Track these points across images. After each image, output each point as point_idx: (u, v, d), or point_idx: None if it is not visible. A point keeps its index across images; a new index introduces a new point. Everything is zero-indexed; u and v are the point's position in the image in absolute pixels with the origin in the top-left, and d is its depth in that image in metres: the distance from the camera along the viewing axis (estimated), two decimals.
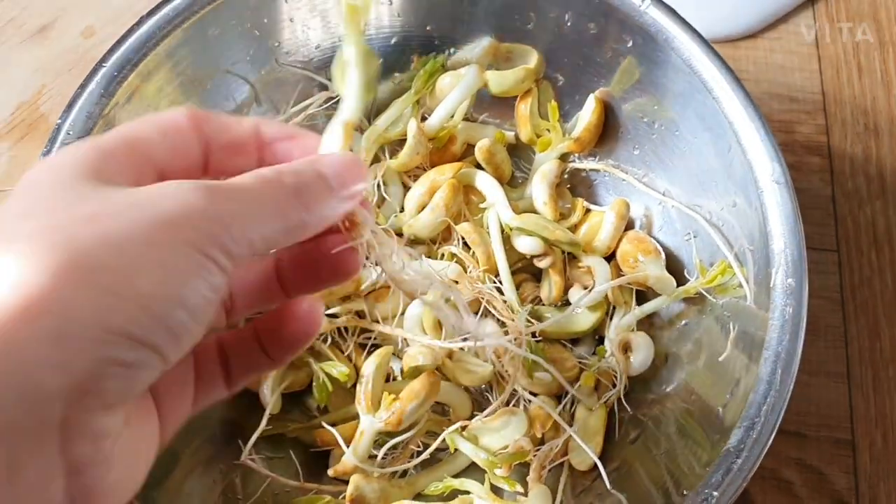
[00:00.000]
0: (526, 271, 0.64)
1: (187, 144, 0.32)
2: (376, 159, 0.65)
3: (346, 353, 0.60)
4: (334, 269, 0.35)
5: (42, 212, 0.26)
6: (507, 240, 0.61)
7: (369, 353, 0.58)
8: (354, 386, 0.58)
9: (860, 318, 0.66)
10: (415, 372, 0.56)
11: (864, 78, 0.76)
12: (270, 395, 0.58)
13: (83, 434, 0.25)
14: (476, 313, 0.58)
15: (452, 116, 0.64)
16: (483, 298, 0.57)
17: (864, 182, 0.71)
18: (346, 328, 0.60)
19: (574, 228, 0.63)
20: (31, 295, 0.24)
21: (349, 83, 0.36)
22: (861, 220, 0.69)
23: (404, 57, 0.66)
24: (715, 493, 0.45)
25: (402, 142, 0.64)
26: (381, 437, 0.56)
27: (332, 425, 0.58)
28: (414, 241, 0.63)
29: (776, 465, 0.61)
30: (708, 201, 0.57)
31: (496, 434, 0.56)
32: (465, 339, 0.54)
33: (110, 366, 0.25)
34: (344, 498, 0.54)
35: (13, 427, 0.23)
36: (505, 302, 0.58)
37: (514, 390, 0.57)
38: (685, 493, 0.48)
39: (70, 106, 0.54)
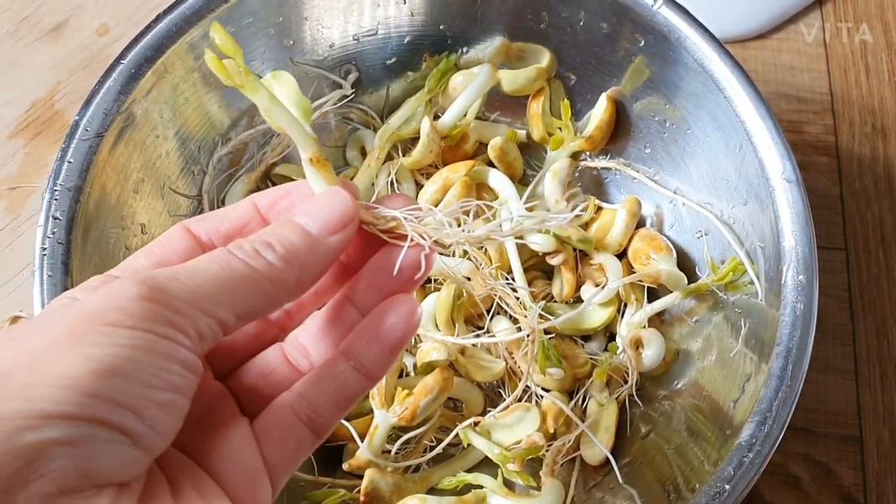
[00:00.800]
0: (537, 269, 0.65)
1: (177, 252, 0.33)
2: (389, 157, 0.65)
3: None
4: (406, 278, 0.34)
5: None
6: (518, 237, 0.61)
7: None
8: None
9: (868, 316, 0.66)
10: (428, 367, 0.56)
11: (872, 78, 0.76)
12: None
13: None
14: (489, 310, 0.59)
15: (465, 115, 0.64)
16: (496, 295, 0.58)
17: (872, 182, 0.72)
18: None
19: (585, 226, 0.63)
20: None
21: (284, 124, 0.34)
22: (869, 220, 0.70)
23: (417, 56, 0.66)
24: (727, 487, 0.46)
25: (414, 140, 0.65)
26: (394, 432, 0.56)
27: (346, 420, 0.58)
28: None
29: (784, 460, 0.62)
30: (719, 199, 0.58)
31: (509, 429, 0.56)
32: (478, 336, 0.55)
33: (46, 447, 0.24)
34: (358, 492, 0.55)
35: None
36: (518, 299, 0.59)
37: (527, 386, 0.58)
38: (696, 487, 0.48)
39: (87, 103, 0.54)
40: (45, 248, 0.50)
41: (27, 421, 0.24)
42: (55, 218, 0.51)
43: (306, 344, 0.36)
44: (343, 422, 0.58)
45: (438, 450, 0.56)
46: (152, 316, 0.27)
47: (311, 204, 0.33)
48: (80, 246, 0.51)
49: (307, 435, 0.34)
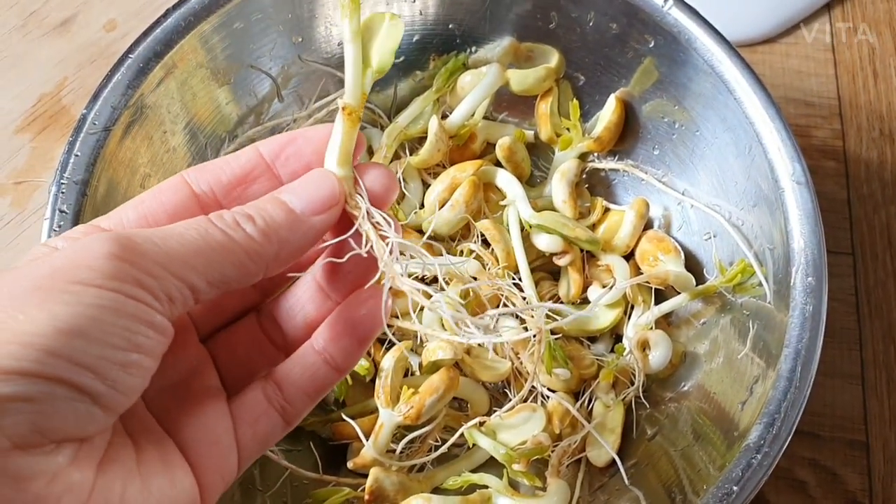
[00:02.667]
0: (544, 270, 0.64)
1: (188, 206, 0.33)
2: (396, 156, 0.65)
3: None
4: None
5: None
6: (526, 237, 0.61)
7: (388, 348, 0.58)
8: (373, 380, 0.58)
9: (875, 320, 0.66)
10: (434, 367, 0.56)
11: (880, 83, 0.76)
12: None
13: None
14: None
15: (473, 114, 0.64)
16: (502, 295, 0.58)
17: (879, 187, 0.71)
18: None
19: (593, 227, 0.63)
20: None
21: (348, 62, 0.34)
22: (876, 224, 0.70)
23: (426, 55, 0.66)
24: (735, 488, 0.45)
25: (422, 139, 0.64)
26: (399, 431, 0.56)
27: (352, 419, 0.58)
28: (433, 238, 0.63)
29: (790, 465, 0.61)
30: (727, 201, 0.57)
31: (514, 430, 0.56)
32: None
33: (2, 402, 0.24)
34: (362, 491, 0.55)
35: None
36: (524, 299, 0.58)
37: (533, 387, 0.58)
38: (700, 491, 0.48)
39: (95, 96, 0.54)
40: None
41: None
42: (62, 211, 0.51)
43: (278, 317, 0.36)
44: (348, 420, 0.57)
45: (443, 450, 0.56)
46: (122, 275, 0.27)
47: (298, 183, 0.33)
48: None
49: (279, 422, 0.35)
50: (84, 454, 0.27)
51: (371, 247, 0.33)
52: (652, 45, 0.58)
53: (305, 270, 0.36)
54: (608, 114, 0.62)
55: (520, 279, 0.60)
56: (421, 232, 0.63)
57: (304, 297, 0.36)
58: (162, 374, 0.30)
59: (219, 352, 0.35)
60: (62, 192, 0.51)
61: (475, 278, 0.59)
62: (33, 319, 0.25)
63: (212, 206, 0.34)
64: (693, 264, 0.61)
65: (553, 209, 0.63)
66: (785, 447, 0.46)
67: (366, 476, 0.55)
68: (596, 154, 0.65)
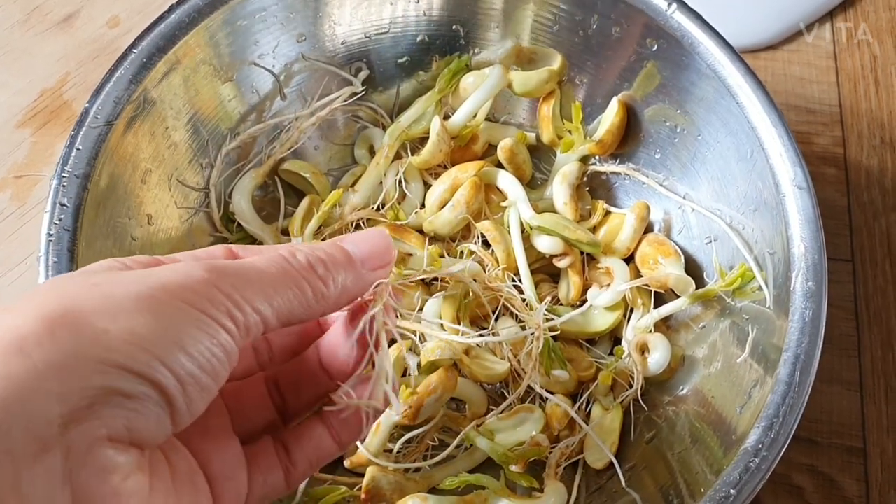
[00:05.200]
0: (544, 272, 0.65)
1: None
2: (398, 156, 0.65)
3: None
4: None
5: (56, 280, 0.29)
6: (526, 239, 0.61)
7: None
8: None
9: (874, 327, 0.66)
10: (432, 367, 0.56)
11: (882, 92, 0.76)
12: None
13: (86, 463, 0.26)
14: (495, 311, 0.59)
15: (475, 116, 0.64)
16: (502, 297, 0.58)
17: (880, 194, 0.71)
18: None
19: (594, 230, 0.63)
20: (23, 334, 0.25)
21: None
22: (876, 232, 0.70)
23: (429, 55, 0.66)
24: (733, 492, 0.45)
25: (424, 139, 0.64)
26: (396, 431, 0.56)
27: None
28: (434, 238, 0.63)
29: (788, 471, 0.61)
30: (728, 205, 0.57)
31: (512, 431, 0.56)
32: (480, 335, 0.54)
33: (108, 395, 0.26)
34: (359, 490, 0.54)
35: (16, 451, 0.24)
36: (524, 301, 0.58)
37: (531, 388, 0.57)
38: (699, 493, 0.48)
39: (98, 91, 0.54)
40: (51, 235, 0.50)
41: (100, 366, 0.26)
42: (62, 204, 0.51)
43: (282, 387, 0.38)
44: None
45: (443, 455, 0.56)
46: (217, 303, 0.29)
47: (359, 237, 0.36)
48: (86, 233, 0.51)
49: (282, 481, 0.36)
50: (143, 462, 0.28)
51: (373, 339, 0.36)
52: (655, 48, 0.58)
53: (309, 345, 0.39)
54: (610, 117, 0.62)
55: (520, 280, 0.60)
56: (421, 232, 0.63)
57: (307, 373, 0.38)
58: None
59: (228, 399, 0.37)
60: (63, 186, 0.51)
61: (475, 279, 0.59)
62: (147, 324, 0.27)
63: None
64: (693, 268, 0.61)
65: (554, 211, 0.63)
66: (782, 452, 0.46)
67: (362, 475, 0.55)
68: (597, 157, 0.65)
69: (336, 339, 0.37)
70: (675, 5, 0.56)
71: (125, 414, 0.26)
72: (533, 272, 0.62)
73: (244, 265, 0.31)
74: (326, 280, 0.32)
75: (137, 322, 0.27)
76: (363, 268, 0.34)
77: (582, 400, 0.59)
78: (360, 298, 0.36)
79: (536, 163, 0.68)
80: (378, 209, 0.63)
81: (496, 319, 0.59)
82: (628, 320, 0.61)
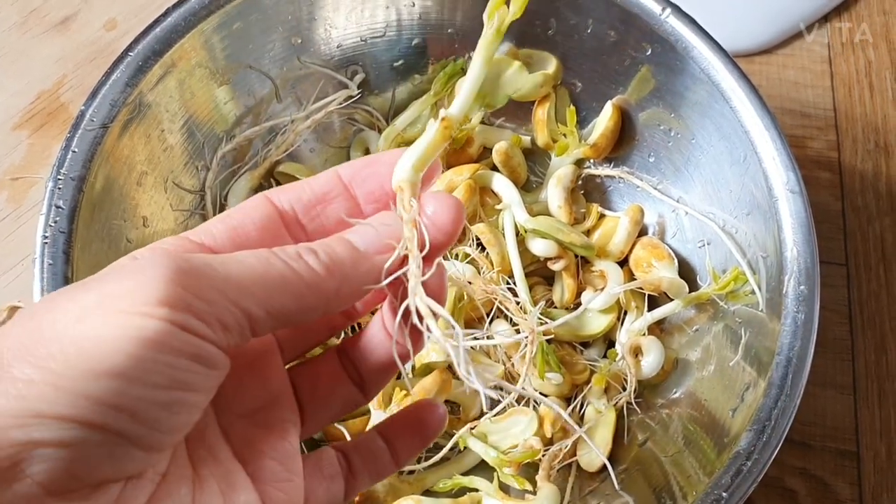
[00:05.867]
0: (538, 275, 0.65)
1: (279, 232, 0.33)
2: None
3: None
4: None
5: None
6: (521, 242, 0.61)
7: None
8: None
9: (867, 331, 0.66)
10: (426, 369, 0.56)
11: (876, 96, 0.76)
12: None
13: None
14: (489, 314, 0.59)
15: (470, 119, 0.65)
16: (496, 299, 0.58)
17: (874, 198, 0.72)
18: (358, 324, 0.61)
19: (588, 233, 0.63)
20: None
21: (469, 77, 0.33)
22: (870, 236, 0.70)
23: (424, 59, 0.66)
24: (724, 495, 0.46)
25: None
26: None
27: (343, 421, 0.58)
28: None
29: (781, 473, 0.61)
30: (722, 209, 0.58)
31: (506, 433, 0.56)
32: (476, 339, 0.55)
33: (34, 447, 0.24)
34: None
35: None
36: (518, 303, 0.59)
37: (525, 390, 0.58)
38: (692, 495, 0.48)
39: (94, 93, 0.54)
40: (46, 237, 0.50)
41: (17, 419, 0.23)
42: (58, 207, 0.51)
43: (354, 357, 0.35)
44: (337, 424, 0.57)
45: (437, 458, 0.56)
46: (173, 301, 0.25)
47: (364, 223, 0.32)
48: (81, 235, 0.51)
49: (341, 493, 0.35)
50: (130, 492, 0.26)
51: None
52: (649, 52, 0.59)
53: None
54: (605, 121, 0.63)
55: (514, 283, 0.60)
56: None
57: (375, 340, 0.35)
58: (241, 399, 0.30)
59: (301, 382, 0.35)
60: (59, 188, 0.51)
61: (470, 282, 0.59)
62: (68, 359, 0.24)
63: (293, 224, 0.34)
64: (686, 271, 0.61)
65: (548, 214, 0.63)
66: (775, 455, 0.46)
67: None
68: (592, 160, 0.65)
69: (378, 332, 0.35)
70: (669, 10, 0.56)
71: (61, 464, 0.24)
72: (527, 275, 0.62)
73: (220, 257, 0.28)
74: (318, 269, 0.29)
75: (54, 359, 0.24)
76: (370, 253, 0.30)
77: (576, 402, 0.59)
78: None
79: (531, 166, 0.68)
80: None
81: (490, 322, 0.59)
82: (622, 323, 0.61)
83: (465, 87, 0.34)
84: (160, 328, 0.25)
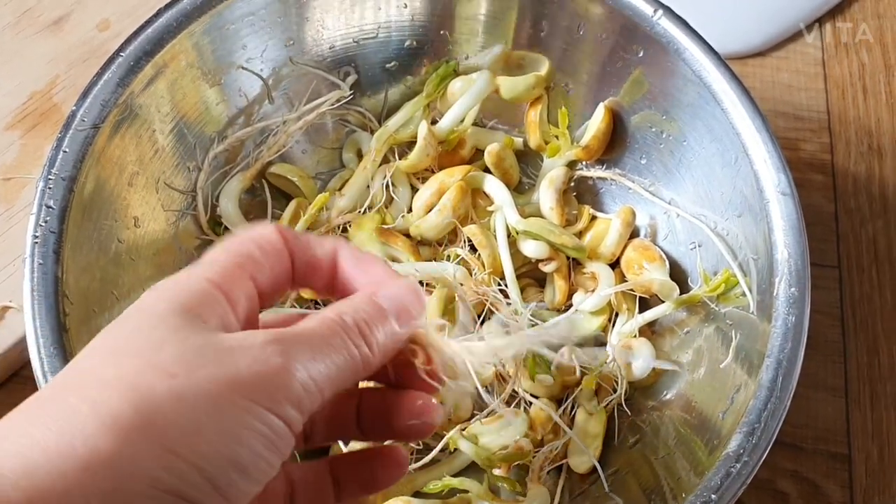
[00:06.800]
0: (530, 276, 0.65)
1: (282, 261, 0.34)
2: (385, 160, 0.65)
3: None
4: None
5: (131, 353, 0.28)
6: (512, 243, 0.61)
7: None
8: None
9: (859, 334, 0.66)
10: None
11: (870, 99, 0.77)
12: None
13: None
14: (481, 315, 0.59)
15: (463, 121, 0.64)
16: (487, 301, 0.58)
17: (867, 201, 0.72)
18: None
19: (579, 235, 0.63)
20: (97, 450, 0.25)
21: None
22: (863, 238, 0.70)
23: (417, 60, 0.66)
24: (714, 497, 0.45)
25: (411, 144, 0.65)
26: None
27: None
28: (420, 242, 0.63)
29: (772, 476, 0.61)
30: (713, 211, 0.58)
31: (496, 434, 0.56)
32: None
33: None
34: None
35: None
36: (509, 305, 0.59)
37: (516, 392, 0.58)
38: (682, 497, 0.48)
39: (85, 94, 0.54)
40: (36, 237, 0.50)
41: (154, 491, 0.25)
42: (48, 207, 0.51)
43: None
44: None
45: (428, 459, 0.56)
46: (288, 395, 0.28)
47: (394, 293, 0.34)
48: (72, 236, 0.51)
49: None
50: None
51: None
52: (641, 54, 0.59)
53: None
54: (597, 122, 0.63)
55: (506, 285, 0.60)
56: (408, 236, 0.63)
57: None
58: None
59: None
60: (49, 188, 0.51)
61: (461, 283, 0.59)
62: (209, 442, 0.26)
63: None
64: (678, 273, 0.61)
65: (540, 216, 0.63)
66: (764, 456, 0.46)
67: None
68: (584, 162, 0.65)
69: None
70: (660, 12, 0.56)
71: None
72: (519, 277, 0.62)
73: (310, 337, 0.30)
74: (371, 343, 0.31)
75: (201, 436, 0.26)
76: (397, 323, 0.33)
77: (566, 404, 0.59)
78: None
79: (523, 168, 0.68)
80: (365, 213, 0.63)
81: (482, 323, 0.59)
82: (613, 325, 0.61)
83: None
84: (282, 429, 0.28)
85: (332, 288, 0.36)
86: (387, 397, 0.36)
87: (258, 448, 0.27)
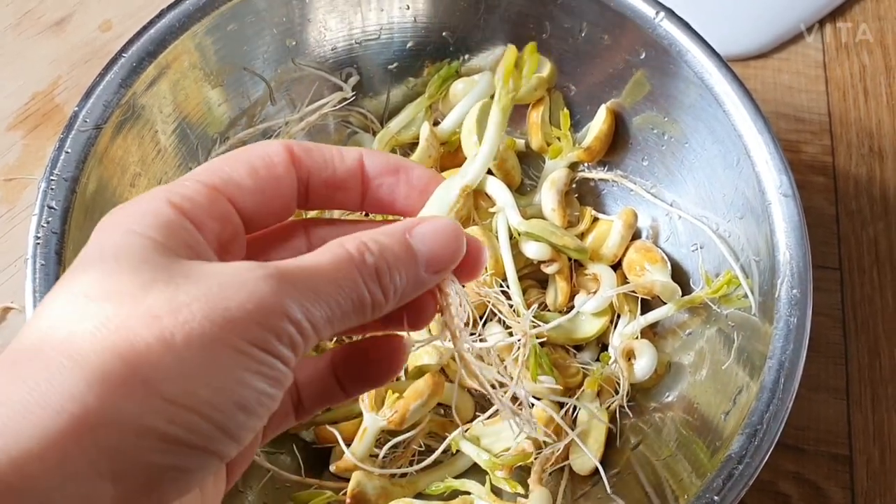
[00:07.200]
0: (532, 278, 0.65)
1: (280, 184, 0.31)
2: None
3: None
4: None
5: (108, 296, 0.26)
6: (514, 245, 0.61)
7: None
8: None
9: (860, 336, 0.66)
10: (419, 372, 0.56)
11: (871, 101, 0.77)
12: None
13: None
14: (482, 317, 0.59)
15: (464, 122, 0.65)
16: (489, 302, 0.58)
17: (868, 203, 0.72)
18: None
19: (581, 236, 0.63)
20: (87, 407, 0.23)
21: (485, 144, 0.35)
22: (864, 240, 0.70)
23: (419, 61, 0.67)
24: (716, 498, 0.45)
25: (413, 145, 0.65)
26: (383, 436, 0.56)
27: (335, 422, 0.58)
28: None
29: (774, 478, 0.61)
30: (715, 213, 0.58)
31: (498, 436, 0.56)
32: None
33: (167, 472, 0.24)
34: (344, 494, 0.54)
35: None
36: (511, 306, 0.59)
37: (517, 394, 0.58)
38: (684, 499, 0.48)
39: (88, 94, 0.54)
40: (38, 237, 0.50)
41: (160, 444, 0.24)
42: (50, 207, 0.51)
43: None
44: (330, 427, 0.57)
45: (430, 461, 0.56)
46: (282, 333, 0.26)
47: (432, 236, 0.31)
48: (74, 236, 0.51)
49: (291, 423, 0.35)
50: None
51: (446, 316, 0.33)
52: (643, 56, 0.59)
53: None
54: (598, 124, 0.63)
55: (508, 286, 0.60)
56: None
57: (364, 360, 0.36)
58: None
59: (300, 375, 0.35)
60: (52, 189, 0.51)
61: (463, 285, 0.59)
62: (210, 387, 0.25)
63: (301, 194, 0.33)
64: (680, 275, 0.61)
65: (542, 217, 0.63)
66: (766, 458, 0.46)
67: (348, 480, 0.55)
68: (586, 164, 0.65)
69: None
70: (662, 13, 0.56)
71: (181, 485, 0.25)
72: (521, 278, 0.62)
73: (312, 272, 0.27)
74: (387, 288, 0.29)
75: (199, 382, 0.25)
76: (425, 270, 0.30)
77: (568, 406, 0.59)
78: None
79: (525, 169, 0.68)
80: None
81: (483, 325, 0.59)
82: (615, 327, 0.61)
83: (483, 153, 0.34)
84: (280, 367, 0.26)
85: (371, 205, 0.34)
86: (362, 352, 0.35)
87: (261, 386, 0.26)
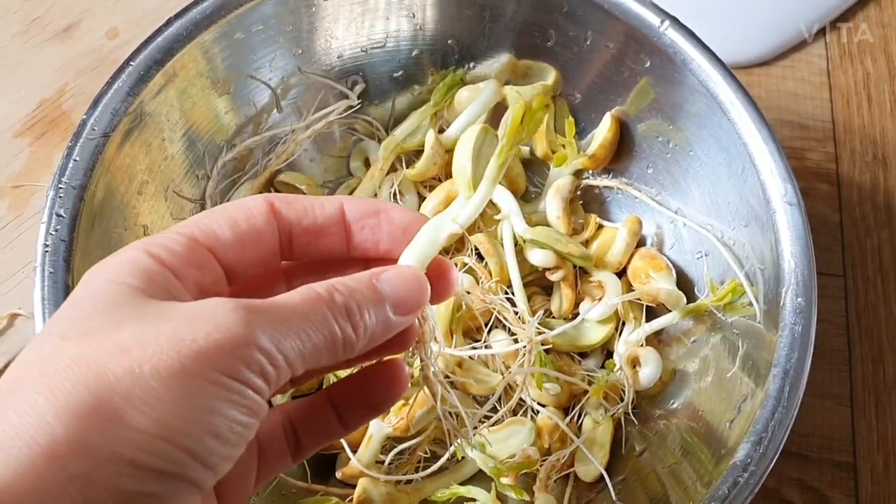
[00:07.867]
0: (537, 285, 0.65)
1: (260, 235, 0.33)
2: (393, 169, 0.66)
3: None
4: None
5: (81, 336, 0.27)
6: (519, 252, 0.61)
7: None
8: None
9: (864, 343, 0.67)
10: (419, 383, 0.56)
11: (874, 108, 0.77)
12: (281, 398, 0.58)
13: None
14: (487, 324, 0.59)
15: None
16: (494, 309, 0.58)
17: (872, 210, 0.72)
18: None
19: (586, 244, 0.64)
20: (55, 438, 0.24)
21: (479, 192, 0.36)
22: (868, 248, 0.70)
23: (424, 69, 0.67)
24: None
25: (418, 152, 0.65)
26: (389, 443, 0.56)
27: None
28: None
29: (778, 485, 0.62)
30: (720, 221, 0.58)
31: (504, 443, 0.56)
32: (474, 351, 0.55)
33: (141, 498, 0.25)
34: (350, 500, 0.55)
35: None
36: (516, 313, 0.59)
37: (523, 401, 0.58)
38: None
39: (96, 103, 0.54)
40: (47, 245, 0.50)
41: (131, 470, 0.25)
42: (59, 215, 0.51)
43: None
44: None
45: (436, 467, 0.56)
46: (252, 363, 0.27)
47: (396, 282, 0.32)
48: (82, 244, 0.52)
49: (288, 464, 0.36)
50: None
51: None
52: (648, 64, 0.59)
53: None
54: (603, 132, 0.63)
55: (512, 293, 0.60)
56: None
57: (321, 414, 0.37)
58: None
59: (297, 416, 0.37)
60: (60, 196, 0.52)
61: (469, 292, 0.60)
62: (176, 412, 0.25)
63: (283, 235, 0.34)
64: (684, 282, 0.61)
65: (547, 225, 0.63)
66: (772, 466, 0.46)
67: (354, 486, 0.55)
68: (590, 171, 0.65)
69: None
70: (667, 22, 0.57)
71: None
72: (526, 285, 0.62)
73: (282, 307, 0.29)
74: (357, 326, 0.30)
75: (168, 410, 0.25)
76: (394, 313, 0.32)
77: (574, 413, 0.59)
78: None
79: (530, 176, 0.68)
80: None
81: (489, 332, 0.59)
82: (620, 334, 0.61)
83: (475, 201, 0.36)
84: (246, 394, 0.27)
85: (357, 248, 0.35)
86: (361, 381, 0.36)
87: (232, 414, 0.27)
